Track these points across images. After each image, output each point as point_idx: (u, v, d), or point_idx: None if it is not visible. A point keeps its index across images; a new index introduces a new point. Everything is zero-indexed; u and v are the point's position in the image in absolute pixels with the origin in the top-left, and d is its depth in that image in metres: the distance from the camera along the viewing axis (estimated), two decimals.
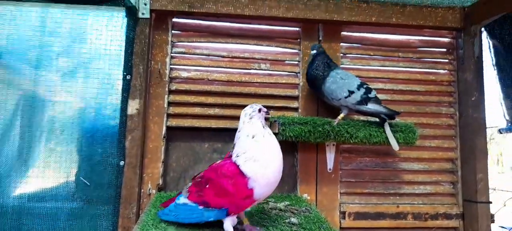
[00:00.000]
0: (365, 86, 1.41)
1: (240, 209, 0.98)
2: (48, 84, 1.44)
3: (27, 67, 1.44)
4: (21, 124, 1.41)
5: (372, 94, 1.40)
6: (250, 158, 0.97)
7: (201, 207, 1.00)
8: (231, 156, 1.02)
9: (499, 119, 1.61)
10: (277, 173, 0.99)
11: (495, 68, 1.57)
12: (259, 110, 1.04)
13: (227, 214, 0.97)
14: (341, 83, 1.40)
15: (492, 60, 1.58)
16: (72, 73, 1.45)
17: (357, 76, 1.47)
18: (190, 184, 1.08)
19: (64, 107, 1.43)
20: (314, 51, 1.44)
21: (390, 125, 1.45)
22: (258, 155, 0.97)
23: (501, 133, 1.60)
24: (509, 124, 1.56)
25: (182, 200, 1.05)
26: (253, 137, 0.99)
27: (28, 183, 1.38)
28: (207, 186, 1.00)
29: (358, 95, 1.39)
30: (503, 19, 1.49)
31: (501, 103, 1.57)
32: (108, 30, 1.49)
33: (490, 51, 1.58)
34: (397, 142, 1.42)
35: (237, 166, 0.97)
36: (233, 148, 1.03)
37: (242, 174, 0.96)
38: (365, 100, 1.39)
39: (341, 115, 1.44)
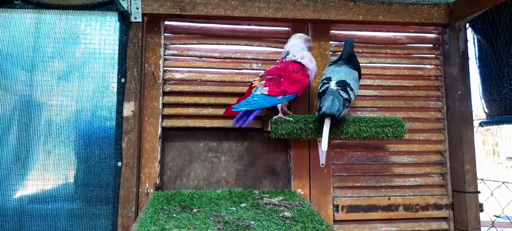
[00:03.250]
0: (324, 81, 1.40)
1: (304, 91, 1.47)
2: (43, 88, 1.47)
3: (22, 71, 1.46)
4: (18, 128, 1.43)
5: (321, 89, 1.39)
6: (307, 58, 1.48)
7: (280, 97, 1.39)
8: (288, 60, 1.48)
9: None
10: (315, 69, 1.51)
11: (477, 62, 1.62)
12: (306, 39, 1.54)
13: (296, 97, 1.44)
14: (322, 79, 1.46)
15: (475, 54, 1.63)
16: (67, 77, 1.48)
17: None
18: (263, 81, 1.40)
19: (60, 111, 1.46)
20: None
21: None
22: (311, 57, 1.50)
23: (482, 126, 1.64)
24: (489, 117, 1.61)
25: (260, 92, 1.39)
26: (302, 49, 1.50)
27: (28, 185, 1.41)
28: (282, 79, 1.41)
29: (320, 88, 1.43)
30: (486, 15, 1.53)
31: (481, 97, 1.62)
32: (101, 34, 1.52)
33: (474, 46, 1.63)
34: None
35: (301, 64, 1.46)
36: (288, 54, 1.49)
37: (304, 68, 1.46)
38: (319, 94, 1.40)
39: None
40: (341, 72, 1.43)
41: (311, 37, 1.60)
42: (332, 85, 1.38)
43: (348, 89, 1.37)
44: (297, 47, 1.50)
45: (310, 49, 1.55)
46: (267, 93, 1.38)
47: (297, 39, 1.52)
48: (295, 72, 1.43)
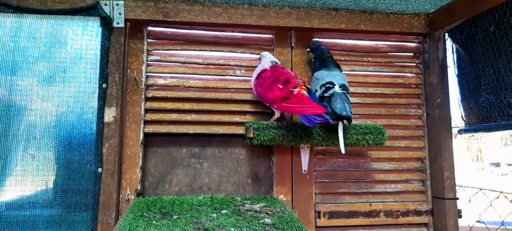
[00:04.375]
0: (327, 86, 1.44)
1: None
2: (23, 92, 1.45)
3: (2, 75, 1.44)
4: None
5: (328, 93, 1.41)
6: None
7: None
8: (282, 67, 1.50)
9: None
10: None
11: (456, 70, 1.66)
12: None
13: None
14: (315, 84, 1.50)
15: (454, 63, 1.67)
16: (48, 81, 1.47)
17: None
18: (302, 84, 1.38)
19: (40, 116, 1.44)
20: (308, 50, 1.61)
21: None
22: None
23: (460, 133, 1.68)
24: (467, 125, 1.64)
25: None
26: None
27: (6, 191, 1.39)
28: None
29: (317, 94, 1.46)
30: (464, 25, 1.58)
31: (459, 104, 1.66)
32: (83, 39, 1.50)
33: (453, 55, 1.67)
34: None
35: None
36: (277, 62, 1.50)
37: None
38: (321, 98, 1.43)
39: None
40: (338, 77, 1.49)
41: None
42: (337, 89, 1.41)
43: (349, 94, 1.44)
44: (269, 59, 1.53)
45: None
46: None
47: (271, 56, 1.55)
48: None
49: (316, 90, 1.48)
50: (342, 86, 1.43)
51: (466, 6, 1.48)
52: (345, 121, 1.39)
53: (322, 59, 1.55)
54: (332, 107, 1.36)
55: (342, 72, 1.57)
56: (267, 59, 1.51)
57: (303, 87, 1.38)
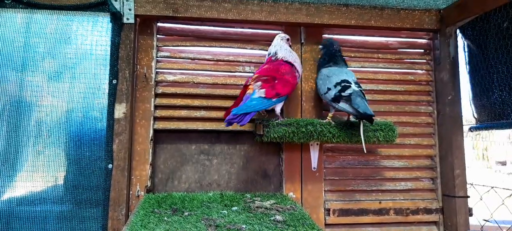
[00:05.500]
0: (343, 84, 1.40)
1: (292, 92, 1.50)
2: (34, 88, 1.45)
3: (12, 72, 1.45)
4: (8, 129, 1.41)
5: (346, 93, 1.38)
6: (298, 61, 1.52)
7: (274, 99, 1.39)
8: (275, 60, 1.49)
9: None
10: (301, 71, 1.56)
11: (467, 67, 1.64)
12: (287, 39, 1.55)
13: (285, 99, 1.47)
14: (325, 80, 1.47)
15: (465, 60, 1.65)
16: (58, 77, 1.47)
17: None
18: (259, 83, 1.40)
19: (51, 112, 1.45)
20: (320, 46, 1.59)
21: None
22: (297, 58, 1.52)
23: (471, 131, 1.66)
24: (479, 123, 1.63)
25: (257, 95, 1.38)
26: (290, 51, 1.52)
27: (17, 187, 1.39)
28: (276, 81, 1.41)
29: (332, 93, 1.42)
30: (476, 21, 1.55)
31: (470, 102, 1.64)
32: (93, 35, 1.51)
33: (464, 52, 1.65)
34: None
35: (291, 65, 1.48)
36: (276, 54, 1.50)
37: (294, 69, 1.48)
38: (338, 98, 1.40)
39: (330, 114, 1.49)
40: (349, 73, 1.47)
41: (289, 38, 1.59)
42: (354, 87, 1.40)
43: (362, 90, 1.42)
44: (284, 49, 1.51)
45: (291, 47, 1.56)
46: (264, 95, 1.38)
47: (280, 40, 1.53)
48: (287, 74, 1.44)
49: (328, 89, 1.44)
50: (357, 84, 1.42)
51: (479, 1, 1.47)
52: (365, 120, 1.37)
53: (331, 54, 1.53)
54: (354, 107, 1.33)
55: (351, 69, 1.56)
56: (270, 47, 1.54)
57: (252, 86, 1.41)
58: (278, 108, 1.46)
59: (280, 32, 1.60)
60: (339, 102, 1.39)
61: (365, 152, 1.38)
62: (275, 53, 1.50)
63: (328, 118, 1.48)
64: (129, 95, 1.46)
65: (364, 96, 1.39)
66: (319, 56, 1.61)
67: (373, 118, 1.34)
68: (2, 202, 1.38)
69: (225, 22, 1.62)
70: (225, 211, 1.24)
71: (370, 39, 1.74)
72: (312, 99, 1.64)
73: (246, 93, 1.41)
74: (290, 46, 1.55)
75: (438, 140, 1.71)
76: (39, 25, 1.48)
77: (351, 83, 1.40)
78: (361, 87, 1.42)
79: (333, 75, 1.45)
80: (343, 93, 1.39)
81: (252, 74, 1.63)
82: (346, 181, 1.66)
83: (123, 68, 1.47)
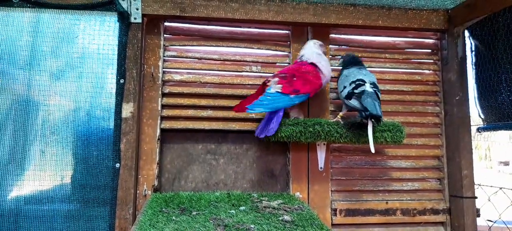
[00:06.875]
0: (357, 82, 1.41)
1: (315, 92, 1.47)
2: (41, 87, 1.45)
3: (19, 71, 1.45)
4: (15, 128, 1.42)
5: (358, 90, 1.39)
6: (323, 63, 1.50)
7: (292, 95, 1.39)
8: (300, 61, 1.51)
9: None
10: (329, 74, 1.53)
11: (474, 67, 1.63)
12: (320, 44, 1.56)
13: (309, 97, 1.46)
14: (343, 80, 1.49)
15: (472, 60, 1.64)
16: (65, 77, 1.47)
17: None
18: (276, 79, 1.41)
19: (58, 111, 1.45)
20: (341, 61, 1.58)
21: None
22: (327, 63, 1.52)
23: (479, 131, 1.65)
24: (485, 123, 1.62)
25: (274, 90, 1.40)
26: (318, 54, 1.52)
27: (24, 186, 1.39)
28: (294, 78, 1.42)
29: (346, 90, 1.43)
30: (484, 21, 1.55)
31: (476, 102, 1.63)
32: (100, 34, 1.51)
33: (472, 52, 1.64)
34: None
35: (315, 66, 1.47)
36: (302, 57, 1.52)
37: (317, 70, 1.47)
38: (350, 95, 1.41)
39: (341, 113, 1.51)
40: (368, 75, 1.46)
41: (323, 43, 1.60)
42: (368, 87, 1.39)
43: (379, 92, 1.41)
44: (312, 52, 1.52)
45: (324, 53, 1.56)
46: (280, 91, 1.39)
47: (312, 45, 1.54)
48: (308, 73, 1.45)
49: (344, 87, 1.45)
50: (373, 84, 1.41)
51: (488, 2, 1.46)
52: (373, 120, 1.36)
53: (352, 60, 1.53)
54: (363, 104, 1.34)
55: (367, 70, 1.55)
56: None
57: (270, 82, 1.43)
58: (294, 113, 1.49)
59: (316, 39, 1.60)
60: (350, 99, 1.41)
61: (373, 151, 1.37)
62: (302, 56, 1.52)
63: (338, 117, 1.49)
64: (137, 94, 1.46)
65: (378, 98, 1.39)
66: (341, 61, 1.59)
67: (381, 118, 1.34)
68: (10, 201, 1.38)
69: (232, 22, 1.62)
70: (233, 211, 1.24)
71: (377, 39, 1.73)
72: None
73: (264, 89, 1.42)
74: (323, 52, 1.55)
75: (446, 140, 1.70)
76: (47, 24, 1.48)
77: (366, 83, 1.40)
78: (377, 89, 1.41)
79: (351, 75, 1.46)
80: (355, 91, 1.40)
81: (259, 74, 1.64)
82: (353, 181, 1.65)
83: (131, 67, 1.47)
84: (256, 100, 1.38)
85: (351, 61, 1.53)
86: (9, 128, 1.41)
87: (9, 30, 1.46)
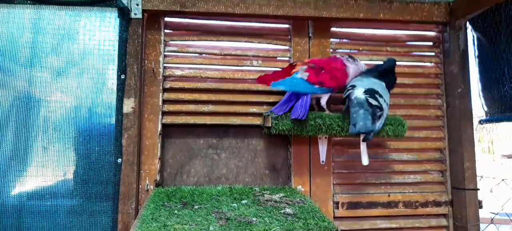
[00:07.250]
0: (348, 87, 1.45)
1: (340, 88, 1.50)
2: (42, 84, 1.46)
3: (20, 67, 1.45)
4: (16, 124, 1.42)
5: (345, 95, 1.45)
6: (348, 59, 1.52)
7: (316, 86, 1.43)
8: (333, 57, 1.54)
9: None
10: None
11: (477, 60, 1.63)
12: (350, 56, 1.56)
13: (332, 92, 1.49)
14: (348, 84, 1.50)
15: (475, 52, 1.63)
16: (66, 73, 1.47)
17: None
18: (305, 66, 1.44)
19: (59, 107, 1.45)
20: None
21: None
22: (354, 65, 1.52)
23: (481, 123, 1.65)
24: (488, 115, 1.62)
25: (300, 76, 1.42)
26: (350, 57, 1.53)
27: (27, 182, 1.40)
28: (322, 71, 1.44)
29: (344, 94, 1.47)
30: (487, 13, 1.54)
31: (479, 95, 1.63)
32: (101, 30, 1.51)
33: (474, 44, 1.63)
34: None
35: (344, 63, 1.50)
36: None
37: (345, 68, 1.49)
38: (343, 101, 1.46)
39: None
40: (366, 81, 1.44)
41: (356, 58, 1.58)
42: (358, 93, 1.38)
43: (377, 96, 1.36)
44: (344, 54, 1.59)
45: (358, 61, 1.55)
46: (306, 79, 1.41)
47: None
48: (336, 69, 1.47)
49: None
50: (368, 91, 1.36)
51: None
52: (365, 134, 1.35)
53: (381, 71, 1.51)
54: (353, 117, 1.34)
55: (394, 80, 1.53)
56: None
57: (298, 68, 1.45)
58: (323, 100, 1.50)
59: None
60: (345, 103, 1.44)
61: (365, 164, 1.40)
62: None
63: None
64: (138, 90, 1.46)
65: (371, 106, 1.34)
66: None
67: (370, 133, 1.34)
68: (13, 197, 1.39)
69: (232, 17, 1.61)
70: (235, 204, 1.24)
71: (378, 32, 1.72)
72: None
73: (291, 72, 1.44)
74: (357, 63, 1.55)
75: (448, 132, 1.70)
76: (47, 21, 1.48)
77: (354, 87, 1.40)
78: (372, 95, 1.35)
79: (355, 81, 1.46)
80: (345, 98, 1.43)
81: (260, 68, 1.63)
82: (355, 174, 1.65)
83: (131, 63, 1.47)
84: (282, 79, 1.42)
85: (380, 72, 1.50)
86: (11, 125, 1.42)
87: (9, 27, 1.46)
